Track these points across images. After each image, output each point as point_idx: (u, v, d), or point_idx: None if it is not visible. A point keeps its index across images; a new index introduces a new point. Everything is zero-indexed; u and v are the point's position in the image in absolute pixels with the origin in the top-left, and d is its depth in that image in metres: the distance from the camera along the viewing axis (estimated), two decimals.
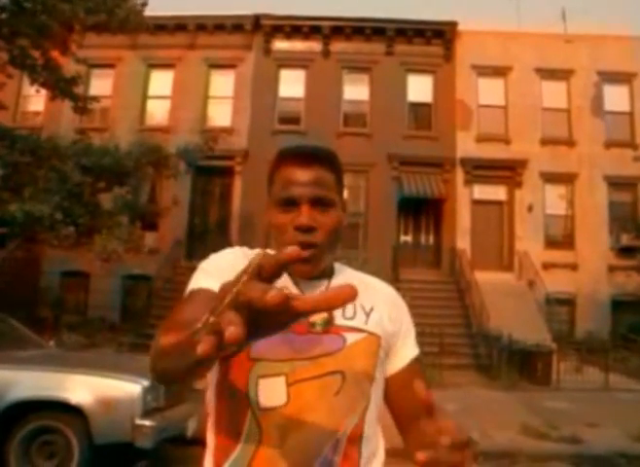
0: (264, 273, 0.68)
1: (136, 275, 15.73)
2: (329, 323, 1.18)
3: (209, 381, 1.21)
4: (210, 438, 1.20)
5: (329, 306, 0.71)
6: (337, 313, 1.21)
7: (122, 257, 10.69)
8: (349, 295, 0.70)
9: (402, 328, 1.29)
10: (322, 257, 1.21)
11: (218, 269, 1.16)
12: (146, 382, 4.86)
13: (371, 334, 1.21)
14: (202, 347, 0.65)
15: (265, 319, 0.68)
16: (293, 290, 1.22)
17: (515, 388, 10.19)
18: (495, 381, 10.70)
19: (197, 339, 0.67)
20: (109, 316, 15.08)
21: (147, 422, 4.72)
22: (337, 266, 1.34)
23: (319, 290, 1.23)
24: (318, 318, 1.19)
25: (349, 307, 1.22)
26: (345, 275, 1.31)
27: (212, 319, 0.67)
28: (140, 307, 14.59)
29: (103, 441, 4.77)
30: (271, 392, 1.12)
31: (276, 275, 0.69)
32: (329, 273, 1.28)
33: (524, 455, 6.33)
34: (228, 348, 0.66)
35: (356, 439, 1.15)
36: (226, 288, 0.69)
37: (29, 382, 4.88)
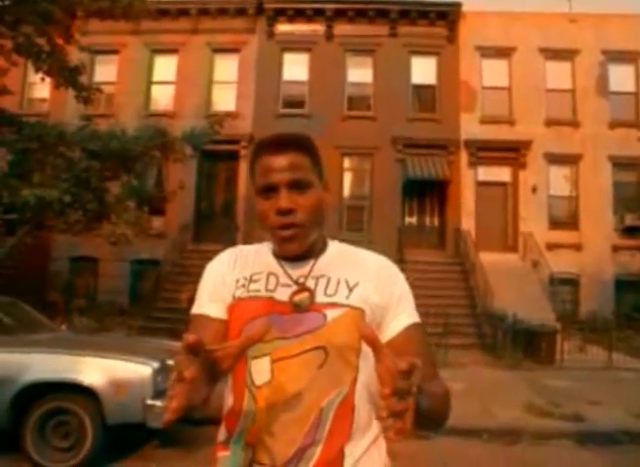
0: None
1: (144, 260, 15.87)
2: (310, 302, 1.26)
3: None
4: (224, 412, 1.32)
5: (251, 344, 1.00)
6: (319, 291, 1.28)
7: (130, 241, 10.78)
8: (262, 329, 1.00)
9: (392, 299, 1.31)
10: (306, 235, 1.28)
11: (208, 290, 1.36)
12: (156, 364, 4.97)
13: (352, 308, 1.26)
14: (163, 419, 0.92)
15: (213, 371, 0.96)
16: (278, 272, 1.32)
17: (520, 367, 10.27)
18: (500, 361, 10.79)
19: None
20: (118, 300, 15.24)
21: (158, 403, 4.83)
22: (334, 243, 1.40)
23: (305, 270, 1.31)
24: (300, 298, 1.27)
25: (332, 284, 1.29)
26: (335, 252, 1.37)
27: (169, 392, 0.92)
28: (149, 291, 14.74)
29: (115, 421, 4.88)
30: (260, 371, 1.23)
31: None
32: (318, 252, 1.35)
33: (528, 433, 6.40)
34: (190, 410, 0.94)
35: (346, 410, 1.23)
36: (173, 366, 0.94)
37: (43, 365, 4.98)
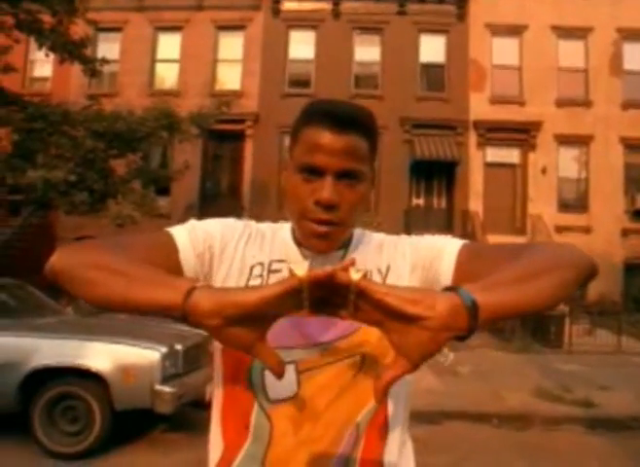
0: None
1: None
2: None
3: (214, 369, 1.14)
4: (215, 431, 1.13)
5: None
6: None
7: (137, 222, 10.69)
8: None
9: (428, 249, 1.14)
10: (342, 233, 1.09)
11: (211, 235, 1.11)
12: (164, 349, 4.93)
13: None
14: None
15: None
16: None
17: (528, 351, 10.26)
18: (508, 344, 10.75)
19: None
20: None
21: (166, 388, 4.80)
22: (357, 231, 1.20)
23: (334, 264, 0.98)
24: None
25: None
26: (362, 241, 1.19)
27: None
28: None
29: (123, 407, 4.86)
30: (280, 383, 0.99)
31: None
32: (346, 243, 1.15)
33: (538, 418, 6.37)
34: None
35: (381, 417, 1.09)
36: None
37: (50, 350, 4.95)
